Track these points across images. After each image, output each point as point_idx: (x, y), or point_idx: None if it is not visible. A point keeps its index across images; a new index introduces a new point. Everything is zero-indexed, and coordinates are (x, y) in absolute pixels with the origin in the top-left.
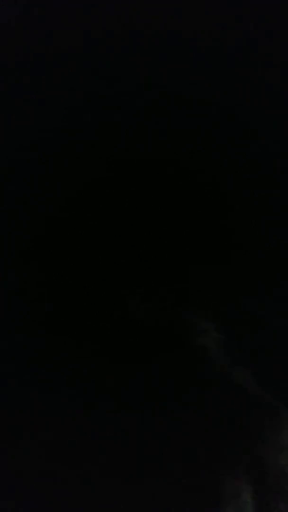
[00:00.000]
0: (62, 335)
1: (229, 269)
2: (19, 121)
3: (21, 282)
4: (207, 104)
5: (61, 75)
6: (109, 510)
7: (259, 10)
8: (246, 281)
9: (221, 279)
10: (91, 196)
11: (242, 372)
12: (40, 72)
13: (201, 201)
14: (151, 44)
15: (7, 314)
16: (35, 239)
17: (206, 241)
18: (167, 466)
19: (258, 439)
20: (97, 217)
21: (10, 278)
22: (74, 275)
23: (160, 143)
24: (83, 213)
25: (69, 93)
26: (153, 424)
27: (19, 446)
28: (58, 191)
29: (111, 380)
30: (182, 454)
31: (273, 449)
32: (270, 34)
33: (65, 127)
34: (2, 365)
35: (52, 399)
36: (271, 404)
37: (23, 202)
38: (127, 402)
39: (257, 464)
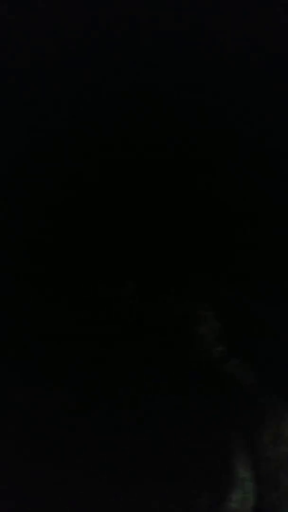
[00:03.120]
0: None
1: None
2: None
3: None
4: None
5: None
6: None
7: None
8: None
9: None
10: (88, 198)
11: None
12: (38, 71)
13: (203, 200)
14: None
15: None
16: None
17: (206, 239)
18: (166, 459)
19: (256, 430)
20: (95, 220)
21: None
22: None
23: (161, 145)
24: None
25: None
26: (149, 416)
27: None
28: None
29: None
30: (181, 446)
31: (271, 441)
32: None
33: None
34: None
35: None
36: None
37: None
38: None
39: (256, 455)
